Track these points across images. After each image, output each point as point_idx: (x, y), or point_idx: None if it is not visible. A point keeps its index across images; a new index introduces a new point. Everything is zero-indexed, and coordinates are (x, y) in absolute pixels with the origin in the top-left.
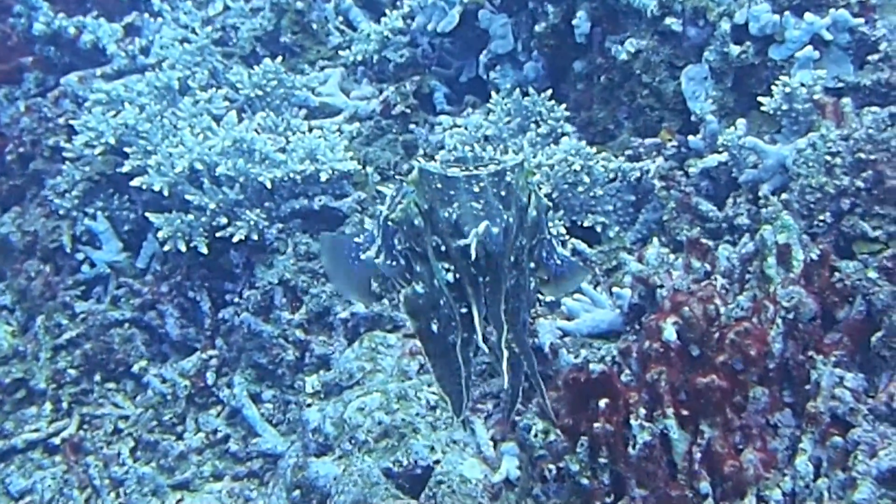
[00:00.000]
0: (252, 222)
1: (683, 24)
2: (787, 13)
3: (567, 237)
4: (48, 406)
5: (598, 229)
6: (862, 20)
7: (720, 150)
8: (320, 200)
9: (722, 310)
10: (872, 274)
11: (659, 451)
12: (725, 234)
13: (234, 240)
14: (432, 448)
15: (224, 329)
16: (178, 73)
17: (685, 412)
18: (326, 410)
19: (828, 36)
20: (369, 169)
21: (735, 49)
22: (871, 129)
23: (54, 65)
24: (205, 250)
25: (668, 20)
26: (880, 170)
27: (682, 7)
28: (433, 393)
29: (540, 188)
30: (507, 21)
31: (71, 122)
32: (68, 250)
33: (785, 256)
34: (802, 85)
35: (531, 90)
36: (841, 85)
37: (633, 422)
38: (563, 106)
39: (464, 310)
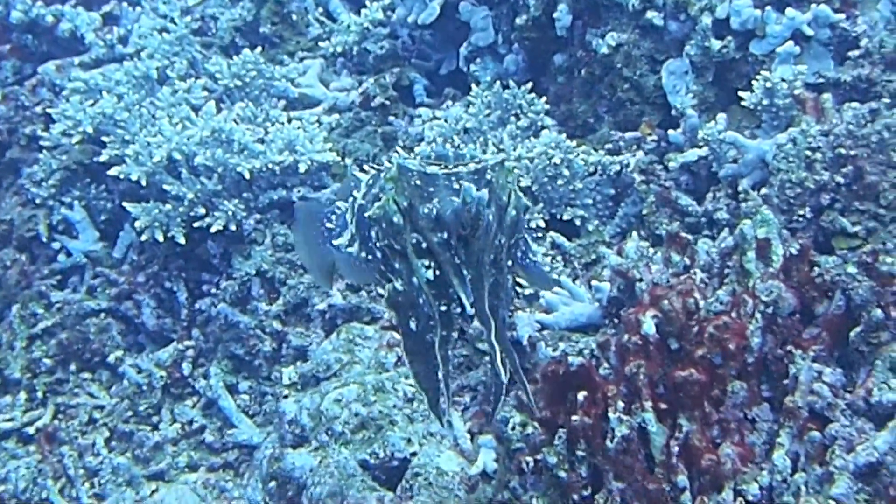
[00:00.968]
0: (230, 213)
1: (665, 18)
2: (768, 8)
3: (546, 230)
4: (23, 395)
5: (578, 223)
6: (843, 16)
7: (700, 144)
8: (299, 191)
9: (701, 304)
10: (852, 269)
11: (637, 445)
12: (704, 229)
13: (212, 230)
14: (409, 440)
15: (201, 320)
16: (156, 63)
17: (663, 406)
18: (303, 402)
19: (809, 31)
20: (348, 160)
21: (716, 44)
22: (852, 125)
23: (31, 53)
24: (182, 240)
25: (650, 14)
26: (860, 165)
27: (664, 1)
28: (410, 385)
29: (520, 182)
30: (488, 13)
31: (48, 110)
32: (44, 239)
33: (764, 251)
34: (783, 80)
35: (511, 83)
36: (821, 80)
37: (611, 415)
38: (544, 99)
39: (443, 308)
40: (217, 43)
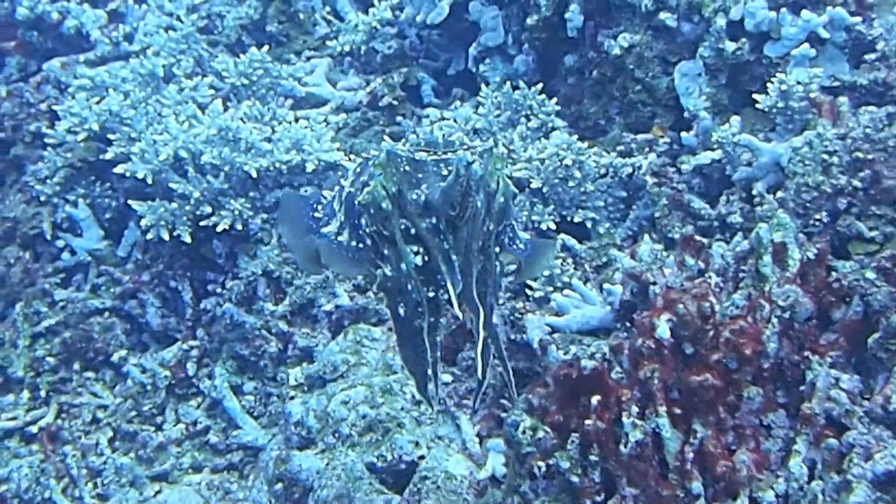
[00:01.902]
0: (236, 212)
1: (678, 19)
2: (783, 10)
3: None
4: (25, 394)
5: (589, 225)
6: (859, 19)
7: (714, 147)
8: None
9: (716, 308)
10: (870, 274)
11: (650, 450)
12: (717, 233)
13: (218, 229)
14: (417, 443)
15: (205, 319)
16: (162, 61)
17: (677, 411)
18: (310, 403)
19: (824, 34)
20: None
21: (730, 45)
22: (869, 129)
23: (36, 50)
24: (188, 239)
25: (663, 15)
26: (877, 170)
27: (677, 2)
28: None
29: (508, 166)
30: (498, 13)
31: (54, 107)
32: (48, 237)
33: (780, 255)
34: (798, 83)
35: (521, 84)
36: (837, 84)
37: (624, 419)
38: (554, 100)
39: (431, 294)
40: (223, 41)
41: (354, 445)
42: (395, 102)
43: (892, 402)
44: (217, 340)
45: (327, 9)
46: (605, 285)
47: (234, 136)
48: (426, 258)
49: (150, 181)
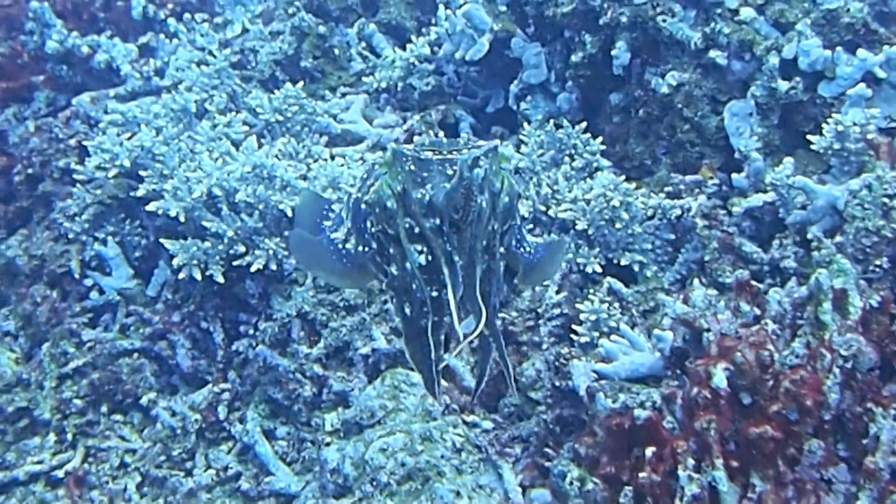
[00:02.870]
0: (271, 251)
1: (728, 57)
2: (838, 49)
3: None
4: (52, 437)
5: (636, 268)
6: None
7: (766, 188)
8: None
9: (775, 356)
10: None
11: None
12: (768, 277)
13: (252, 269)
14: (458, 493)
15: (237, 361)
16: (195, 96)
17: (735, 463)
18: (346, 450)
19: (881, 73)
20: None
21: (783, 85)
22: None
23: (66, 84)
24: (221, 279)
25: (713, 53)
26: None
27: (728, 40)
28: (459, 434)
29: (512, 163)
30: (541, 50)
31: (84, 143)
32: (76, 276)
33: (841, 302)
34: (854, 124)
35: (565, 122)
36: (894, 125)
37: (680, 472)
38: (599, 139)
39: (434, 293)
40: (257, 76)
41: (393, 494)
42: None
43: None
44: (249, 383)
45: (363, 44)
46: (655, 331)
47: (269, 174)
48: (430, 257)
49: (182, 219)
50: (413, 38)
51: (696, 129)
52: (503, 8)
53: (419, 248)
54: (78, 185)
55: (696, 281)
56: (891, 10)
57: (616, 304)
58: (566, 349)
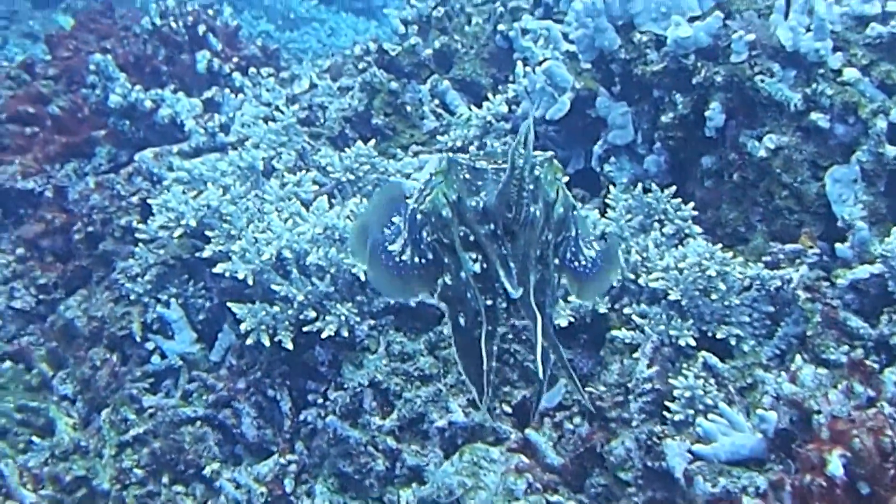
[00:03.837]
0: (342, 317)
1: (831, 120)
2: None
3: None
4: None
5: (732, 342)
6: None
7: (873, 259)
8: (417, 296)
9: None
10: None
11: None
12: (873, 354)
13: (323, 335)
14: None
15: (305, 432)
16: (262, 154)
17: None
18: None
19: None
20: None
21: (891, 150)
22: None
23: (128, 139)
24: (290, 346)
25: (814, 115)
26: None
27: (831, 102)
28: None
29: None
30: (627, 110)
31: (148, 201)
32: (137, 339)
33: None
34: None
35: (654, 186)
36: None
37: None
38: (691, 205)
39: (489, 302)
40: (326, 133)
41: None
42: None
43: None
44: (318, 455)
45: (436, 101)
46: (758, 411)
47: (341, 236)
48: (485, 265)
49: (250, 282)
50: (489, 95)
51: (796, 196)
52: (587, 65)
53: (474, 255)
54: (140, 244)
55: (798, 357)
56: None
57: (711, 380)
58: (658, 427)
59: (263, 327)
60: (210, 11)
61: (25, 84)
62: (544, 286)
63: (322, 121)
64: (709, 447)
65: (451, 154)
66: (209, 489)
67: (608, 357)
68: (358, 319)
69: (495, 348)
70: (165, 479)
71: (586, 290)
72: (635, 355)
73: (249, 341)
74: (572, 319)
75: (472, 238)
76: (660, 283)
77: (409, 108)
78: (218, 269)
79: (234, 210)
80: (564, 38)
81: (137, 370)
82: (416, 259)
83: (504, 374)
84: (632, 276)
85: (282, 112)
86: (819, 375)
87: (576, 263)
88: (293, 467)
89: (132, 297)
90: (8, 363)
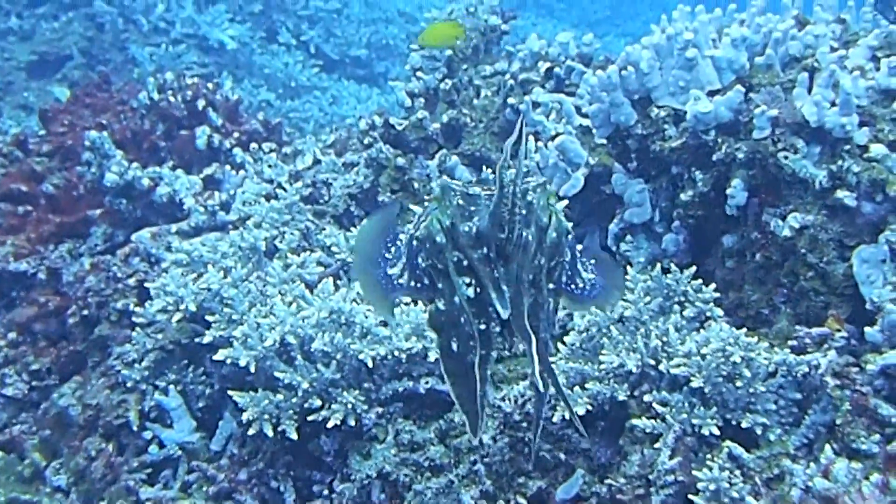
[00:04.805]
0: (349, 405)
1: (858, 197)
2: None
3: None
4: None
5: (758, 431)
6: None
7: None
8: (427, 383)
9: None
10: None
11: None
12: None
13: (328, 424)
14: None
15: None
16: (264, 233)
17: None
18: None
19: None
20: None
21: None
22: None
23: (125, 218)
24: (294, 435)
25: (840, 193)
26: None
27: (857, 179)
28: None
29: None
30: (645, 187)
31: (146, 284)
32: (135, 428)
33: None
34: None
35: (673, 266)
36: None
37: None
38: (712, 286)
39: (482, 326)
40: (330, 211)
41: None
42: None
43: None
44: None
45: (444, 177)
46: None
47: (348, 320)
48: (478, 290)
49: (252, 369)
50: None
51: (821, 277)
52: (601, 141)
53: (467, 280)
54: (137, 328)
55: (828, 447)
56: None
57: (737, 472)
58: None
59: (266, 416)
60: (210, 85)
61: (18, 161)
62: (538, 310)
63: (326, 198)
64: None
65: (444, 180)
66: None
67: (628, 447)
68: (365, 407)
69: (489, 373)
70: None
71: (587, 304)
72: (656, 445)
73: (252, 431)
74: (590, 407)
75: (465, 263)
76: (681, 370)
77: (416, 185)
78: (219, 355)
79: (236, 293)
80: (577, 111)
81: (134, 460)
82: (413, 283)
83: (518, 464)
84: (651, 362)
85: (285, 189)
86: (854, 470)
87: (572, 286)
88: None
89: (129, 383)
90: None
